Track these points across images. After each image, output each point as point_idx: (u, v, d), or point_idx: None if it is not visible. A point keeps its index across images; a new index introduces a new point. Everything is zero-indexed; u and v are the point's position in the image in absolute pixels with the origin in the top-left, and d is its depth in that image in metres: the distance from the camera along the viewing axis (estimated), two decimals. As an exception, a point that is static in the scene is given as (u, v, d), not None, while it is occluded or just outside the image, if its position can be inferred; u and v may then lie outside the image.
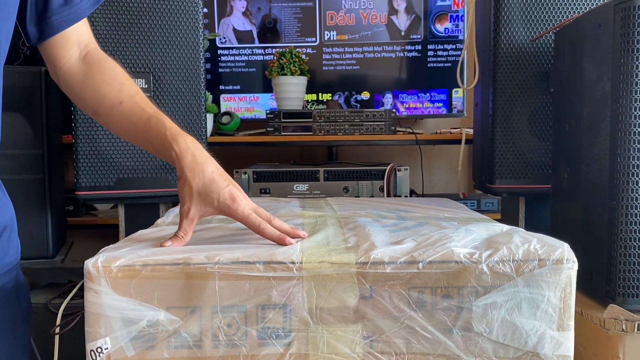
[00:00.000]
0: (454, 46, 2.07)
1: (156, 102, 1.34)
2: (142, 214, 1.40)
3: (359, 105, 2.12)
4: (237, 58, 2.13)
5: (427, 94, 2.10)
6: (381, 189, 1.59)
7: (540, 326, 0.67)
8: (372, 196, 1.59)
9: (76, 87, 0.82)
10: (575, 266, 0.67)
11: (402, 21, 2.09)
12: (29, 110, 1.43)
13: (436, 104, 2.10)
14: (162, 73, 1.35)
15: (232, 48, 2.13)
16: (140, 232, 0.85)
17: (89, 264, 0.65)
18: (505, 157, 1.38)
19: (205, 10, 2.07)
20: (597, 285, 1.00)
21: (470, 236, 0.75)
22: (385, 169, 1.59)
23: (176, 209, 1.11)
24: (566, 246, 0.68)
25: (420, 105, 2.11)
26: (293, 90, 1.94)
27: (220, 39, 2.12)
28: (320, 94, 2.13)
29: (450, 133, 1.91)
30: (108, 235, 1.45)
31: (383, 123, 1.79)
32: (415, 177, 2.00)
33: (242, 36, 2.13)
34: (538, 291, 0.66)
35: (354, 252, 0.68)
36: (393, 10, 2.09)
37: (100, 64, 0.83)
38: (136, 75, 1.33)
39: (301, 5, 2.10)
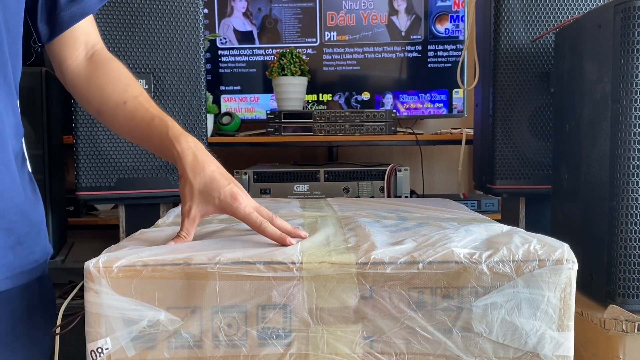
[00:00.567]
0: (454, 46, 2.07)
1: (157, 102, 1.33)
2: (143, 215, 1.40)
3: (359, 105, 2.12)
4: (237, 58, 2.13)
5: (428, 95, 2.10)
6: (381, 189, 1.59)
7: (540, 326, 0.67)
8: (373, 196, 1.59)
9: (81, 87, 0.83)
10: (575, 266, 0.67)
11: (403, 21, 2.09)
12: (30, 111, 1.44)
13: (436, 105, 2.10)
14: (162, 73, 1.35)
15: (232, 48, 2.13)
16: (141, 232, 0.85)
17: (90, 264, 0.65)
18: (506, 157, 1.38)
19: (206, 10, 2.07)
20: (597, 285, 1.00)
21: (470, 236, 0.75)
22: (386, 170, 1.59)
23: (177, 209, 1.11)
24: (566, 246, 0.69)
25: (421, 105, 2.11)
26: (293, 91, 1.94)
27: (221, 40, 2.12)
28: (320, 95, 2.13)
29: (451, 133, 1.91)
30: (108, 235, 1.45)
31: (383, 123, 1.79)
32: (415, 177, 2.00)
33: (243, 37, 2.13)
34: (538, 291, 0.66)
35: (354, 253, 0.68)
36: (393, 11, 2.09)
37: (106, 64, 0.84)
38: (137, 75, 1.33)
39: (301, 5, 2.10)
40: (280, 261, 0.66)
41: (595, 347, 0.97)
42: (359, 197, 1.59)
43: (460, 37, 2.07)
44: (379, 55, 2.10)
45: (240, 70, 2.14)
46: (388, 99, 2.12)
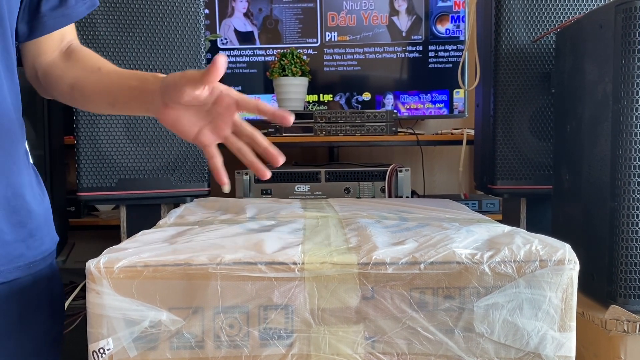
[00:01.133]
0: (455, 47, 2.07)
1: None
2: (144, 215, 1.40)
3: (360, 106, 2.12)
4: (238, 59, 2.13)
5: (428, 95, 2.10)
6: (382, 189, 1.59)
7: (542, 327, 0.67)
8: (374, 197, 1.59)
9: (55, 71, 0.82)
10: (577, 267, 0.67)
11: (403, 22, 2.09)
12: (31, 112, 1.44)
13: (437, 105, 2.10)
14: (163, 74, 1.35)
15: (233, 49, 2.13)
16: (142, 233, 0.85)
17: (91, 265, 0.65)
18: (507, 157, 1.38)
19: (207, 11, 2.07)
20: (598, 286, 1.00)
21: (471, 237, 0.75)
22: (387, 170, 1.59)
23: (178, 210, 1.11)
24: (568, 247, 0.69)
25: (422, 106, 2.11)
26: (294, 91, 1.94)
27: (222, 40, 2.12)
28: (321, 95, 2.13)
29: (452, 134, 1.91)
30: (109, 236, 1.45)
31: (384, 124, 1.79)
32: (416, 177, 2.00)
33: (244, 37, 2.13)
34: (539, 292, 0.67)
35: (355, 253, 0.68)
36: (394, 11, 2.09)
37: (81, 50, 0.84)
38: (138, 76, 1.33)
39: (302, 6, 2.11)
40: (282, 262, 0.66)
41: (597, 348, 0.97)
42: (360, 197, 1.59)
43: (461, 38, 2.07)
44: (380, 56, 2.10)
45: (241, 70, 2.14)
46: (389, 100, 2.12)
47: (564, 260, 0.67)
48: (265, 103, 0.73)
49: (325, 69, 2.12)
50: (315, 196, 1.59)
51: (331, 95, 2.13)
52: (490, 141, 1.42)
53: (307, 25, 2.11)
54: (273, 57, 2.09)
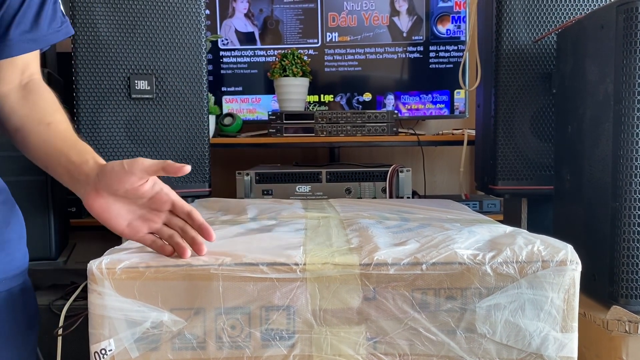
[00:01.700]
0: (455, 47, 2.07)
1: (158, 103, 1.34)
2: (145, 216, 1.40)
3: (360, 106, 2.12)
4: (239, 59, 2.13)
5: (429, 95, 2.10)
6: (383, 190, 1.59)
7: (544, 327, 0.67)
8: (375, 197, 1.59)
9: (6, 106, 0.78)
10: (579, 267, 0.67)
11: (404, 22, 2.09)
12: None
13: (438, 105, 2.10)
14: (164, 74, 1.35)
15: (234, 49, 2.13)
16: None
17: (93, 265, 0.65)
18: (508, 158, 1.38)
19: (208, 11, 2.07)
20: (600, 286, 0.99)
21: (473, 237, 0.75)
22: (388, 170, 1.59)
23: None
24: (570, 247, 0.69)
25: (422, 106, 2.11)
26: (295, 92, 1.94)
27: (222, 41, 2.12)
28: (322, 95, 2.13)
29: (452, 134, 1.91)
30: (110, 236, 1.45)
31: (385, 124, 1.79)
32: (417, 178, 2.00)
33: (244, 38, 2.13)
34: (541, 292, 0.66)
35: (357, 254, 0.68)
36: (395, 12, 2.09)
37: (40, 91, 0.80)
38: (139, 76, 1.33)
39: (303, 6, 2.10)
40: (284, 262, 0.66)
41: (598, 348, 0.97)
42: (361, 197, 1.59)
43: (462, 38, 2.07)
44: (381, 56, 2.10)
45: (241, 71, 2.14)
46: (389, 100, 2.11)
47: (566, 261, 0.67)
48: (198, 213, 0.73)
49: (326, 69, 2.12)
50: (316, 197, 1.59)
51: (332, 96, 2.13)
52: (491, 141, 1.42)
53: (308, 26, 2.11)
54: (274, 57, 2.09)
